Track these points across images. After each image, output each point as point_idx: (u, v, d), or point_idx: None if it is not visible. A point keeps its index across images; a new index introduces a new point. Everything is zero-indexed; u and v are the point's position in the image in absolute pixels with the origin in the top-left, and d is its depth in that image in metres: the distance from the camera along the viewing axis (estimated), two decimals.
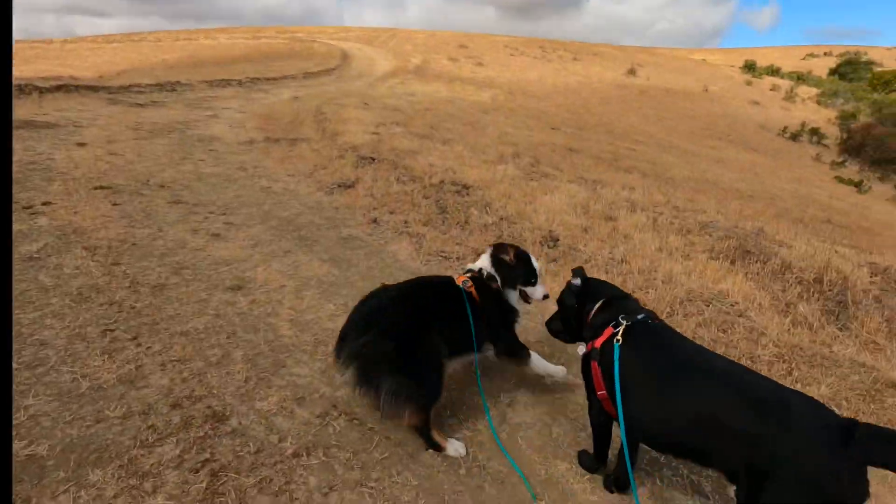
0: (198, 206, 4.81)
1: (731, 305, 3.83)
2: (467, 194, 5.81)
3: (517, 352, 2.44)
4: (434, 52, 43.83)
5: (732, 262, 4.31)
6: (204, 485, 1.65)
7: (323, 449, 1.93)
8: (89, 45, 32.32)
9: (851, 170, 29.20)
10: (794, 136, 35.95)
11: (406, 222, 5.08)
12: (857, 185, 24.75)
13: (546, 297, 2.51)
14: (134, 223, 4.21)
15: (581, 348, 1.95)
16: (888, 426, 1.65)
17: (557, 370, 2.57)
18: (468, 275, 2.39)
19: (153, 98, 12.63)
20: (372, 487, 1.79)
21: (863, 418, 2.90)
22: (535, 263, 2.51)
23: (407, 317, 2.02)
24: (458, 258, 4.41)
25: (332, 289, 3.46)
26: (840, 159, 31.17)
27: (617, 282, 3.97)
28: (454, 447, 2.05)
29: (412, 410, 1.91)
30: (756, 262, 4.26)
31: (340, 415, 2.16)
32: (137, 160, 6.14)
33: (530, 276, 2.46)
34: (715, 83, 50.94)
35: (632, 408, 1.67)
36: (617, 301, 1.96)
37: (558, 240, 4.78)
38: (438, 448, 2.04)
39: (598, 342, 1.84)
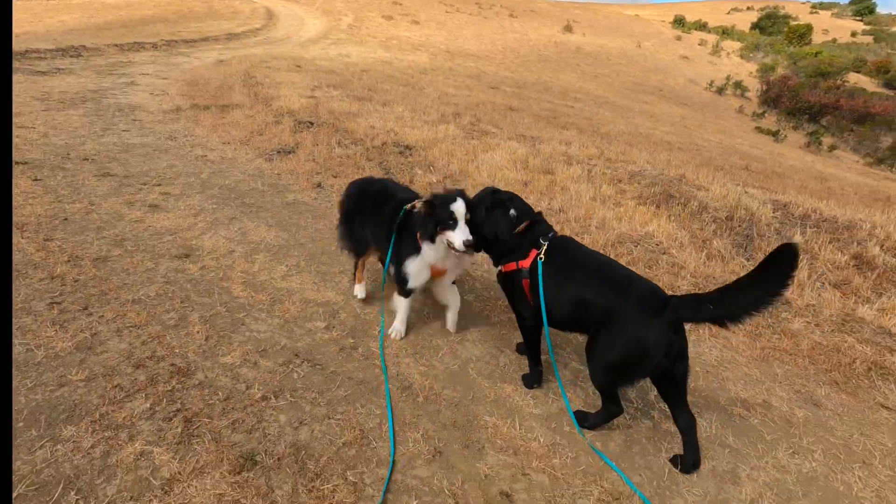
0: (129, 177, 4.61)
1: (656, 244, 4.23)
2: (410, 155, 5.89)
3: (399, 284, 2.61)
4: (366, 10, 41.95)
5: (657, 207, 4.70)
6: (179, 429, 1.76)
7: (290, 392, 2.08)
8: None
9: (770, 120, 31.27)
10: (720, 90, 37.79)
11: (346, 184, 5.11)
12: (774, 134, 26.57)
13: (468, 244, 2.27)
14: (61, 198, 4.01)
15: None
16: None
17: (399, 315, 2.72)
18: (415, 204, 2.51)
19: (56, 65, 11.53)
20: (339, 419, 1.96)
21: None
22: (457, 207, 2.29)
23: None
24: None
25: (282, 251, 3.51)
26: (760, 111, 33.25)
27: (556, 229, 4.25)
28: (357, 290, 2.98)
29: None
30: (678, 205, 4.68)
31: (303, 362, 2.30)
32: (53, 133, 5.72)
33: (448, 221, 2.29)
34: (647, 39, 52.24)
35: (546, 300, 2.14)
36: (533, 224, 2.29)
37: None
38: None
39: (527, 263, 2.20)
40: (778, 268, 1.70)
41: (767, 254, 1.74)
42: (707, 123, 25.90)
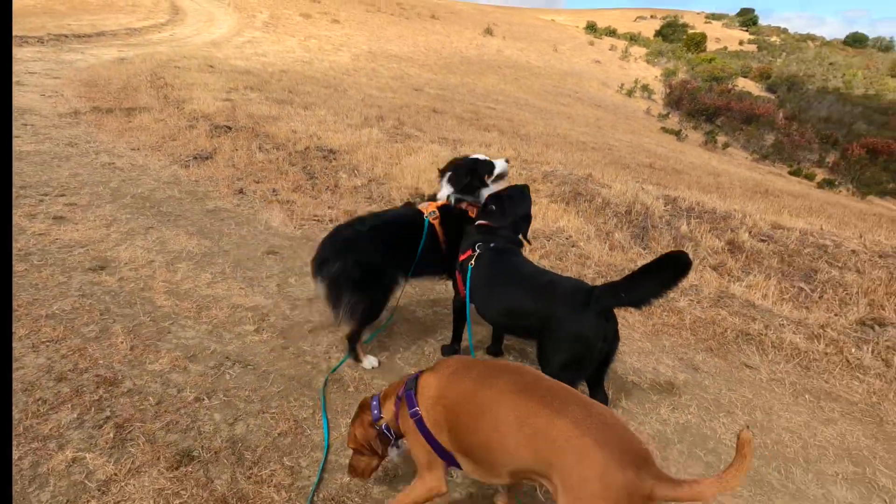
0: (26, 188, 4.32)
1: (566, 238, 4.65)
2: (334, 159, 5.96)
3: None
4: (283, 7, 40.52)
5: (567, 204, 5.16)
6: (111, 435, 1.80)
7: (223, 392, 2.16)
8: None
9: (673, 121, 34.09)
10: (629, 93, 40.55)
11: (274, 190, 5.12)
12: (677, 133, 29.01)
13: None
14: None
15: None
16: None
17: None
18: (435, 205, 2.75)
19: None
20: (273, 413, 2.08)
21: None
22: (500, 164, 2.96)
23: (374, 249, 2.47)
24: (331, 220, 4.63)
25: (205, 259, 3.50)
26: (664, 112, 36.16)
27: None
28: (369, 361, 2.57)
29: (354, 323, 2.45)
30: (585, 202, 5.15)
31: (234, 364, 2.38)
32: None
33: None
34: (563, 43, 54.89)
35: (476, 302, 2.39)
36: (487, 231, 2.55)
37: (424, 195, 5.22)
38: (357, 359, 2.56)
39: (462, 258, 2.46)
40: (671, 269, 2.01)
41: (666, 253, 2.06)
42: (619, 124, 27.81)
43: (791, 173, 25.33)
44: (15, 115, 6.80)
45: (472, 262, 2.40)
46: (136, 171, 5.20)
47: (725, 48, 66.77)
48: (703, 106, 35.72)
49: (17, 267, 3.05)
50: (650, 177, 9.48)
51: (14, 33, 16.51)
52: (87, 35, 19.39)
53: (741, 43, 73.47)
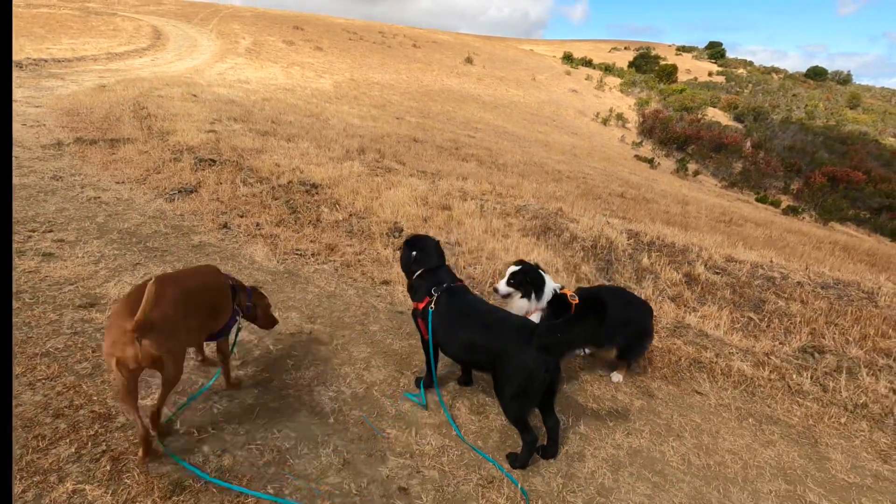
0: (14, 224, 4.45)
1: None
2: (316, 193, 6.20)
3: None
4: (266, 34, 41.05)
5: (538, 238, 5.47)
6: (108, 468, 1.96)
7: (211, 425, 2.33)
8: None
9: (646, 149, 35.36)
10: (605, 121, 41.95)
11: (258, 224, 5.32)
12: (650, 161, 30.09)
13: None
14: None
15: None
16: None
17: None
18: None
19: None
20: (259, 444, 2.27)
21: None
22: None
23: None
24: (313, 254, 4.85)
25: None
26: (638, 140, 37.50)
27: (451, 261, 4.81)
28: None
29: None
30: (554, 236, 5.48)
31: (222, 398, 2.56)
32: None
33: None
34: (541, 72, 56.68)
35: (440, 340, 2.67)
36: (431, 272, 2.74)
37: (402, 230, 5.48)
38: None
39: (421, 306, 2.64)
40: (594, 312, 2.33)
41: (587, 302, 2.39)
42: (594, 152, 28.74)
43: (758, 200, 26.43)
44: None
45: (433, 305, 2.68)
46: (121, 205, 5.35)
47: (696, 79, 69.77)
48: (675, 135, 37.15)
49: None
50: (619, 207, 9.95)
51: None
52: (67, 60, 19.46)
53: (710, 74, 76.90)
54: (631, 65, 76.12)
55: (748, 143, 37.90)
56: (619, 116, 42.58)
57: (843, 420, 3.50)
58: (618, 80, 59.58)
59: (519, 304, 3.28)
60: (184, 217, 5.26)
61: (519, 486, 2.33)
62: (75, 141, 7.78)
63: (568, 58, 67.38)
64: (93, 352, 2.77)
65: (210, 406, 2.48)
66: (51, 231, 4.41)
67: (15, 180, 5.59)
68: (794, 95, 64.63)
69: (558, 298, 3.31)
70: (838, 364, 4.06)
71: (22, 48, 19.38)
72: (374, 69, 38.19)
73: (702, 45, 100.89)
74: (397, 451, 2.43)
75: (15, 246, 4.02)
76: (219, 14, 48.56)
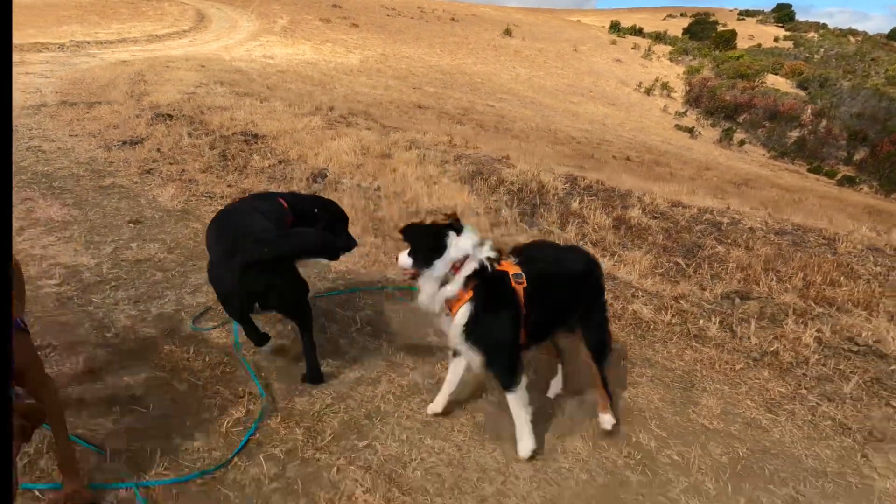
0: None
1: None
2: (255, 143, 6.11)
3: None
4: (304, 13, 41.48)
5: (464, 183, 5.13)
6: None
7: None
8: None
9: (690, 119, 33.23)
10: (648, 91, 39.71)
11: (183, 171, 5.30)
12: (690, 131, 28.26)
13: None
14: None
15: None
16: None
17: None
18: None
19: None
20: None
21: None
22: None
23: None
24: (222, 197, 4.76)
25: (60, 226, 3.68)
26: (682, 110, 35.26)
27: (370, 204, 4.62)
28: None
29: None
30: (482, 180, 5.12)
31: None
32: None
33: None
34: (584, 43, 54.22)
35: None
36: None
37: (326, 176, 5.31)
38: None
39: None
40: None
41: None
42: (628, 122, 27.26)
43: (811, 170, 24.25)
44: None
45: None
46: (57, 153, 5.48)
47: (759, 45, 64.54)
48: (724, 103, 34.61)
49: None
50: (612, 167, 9.30)
51: (37, 40, 17.54)
52: (110, 41, 20.38)
53: (776, 40, 70.92)
54: (686, 31, 71.37)
55: (808, 111, 34.67)
56: (665, 86, 40.10)
57: (738, 367, 3.05)
58: (667, 49, 56.06)
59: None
60: (112, 164, 5.32)
61: (260, 388, 2.14)
62: (59, 103, 8.09)
63: (615, 27, 64.01)
64: None
65: None
66: None
67: None
68: (872, 60, 58.39)
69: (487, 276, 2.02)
70: (761, 311, 3.54)
71: (73, 33, 20.47)
72: (407, 44, 37.83)
73: (769, 9, 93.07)
74: (157, 364, 2.29)
75: None
76: None
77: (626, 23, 70.78)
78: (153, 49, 19.41)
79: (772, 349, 3.22)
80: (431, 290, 1.93)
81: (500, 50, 43.03)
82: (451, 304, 1.94)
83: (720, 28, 68.87)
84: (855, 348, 3.28)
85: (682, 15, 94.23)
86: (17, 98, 8.22)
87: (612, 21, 69.16)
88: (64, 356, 2.26)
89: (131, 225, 3.87)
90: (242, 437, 1.93)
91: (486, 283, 1.92)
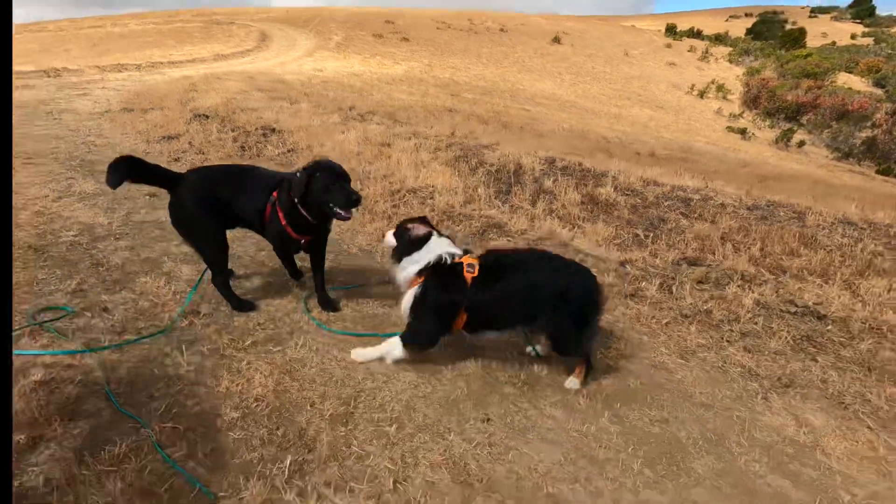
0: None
1: (431, 190, 5.00)
2: (272, 135, 6.77)
3: None
4: (359, 30, 43.30)
5: (447, 165, 5.48)
6: None
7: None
8: None
9: (746, 121, 31.72)
10: (702, 94, 38.32)
11: (206, 159, 6.00)
12: (742, 132, 27.02)
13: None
14: None
15: None
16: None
17: None
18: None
19: (28, 83, 12.75)
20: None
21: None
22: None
23: None
24: None
25: (89, 197, 4.37)
26: (738, 111, 33.73)
27: (358, 184, 5.06)
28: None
29: None
30: (464, 163, 5.45)
31: (30, 249, 3.14)
32: None
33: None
34: (636, 48, 53.06)
35: None
36: None
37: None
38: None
39: None
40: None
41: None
42: (674, 124, 26.48)
43: (879, 172, 22.48)
44: (55, 114, 8.43)
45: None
46: (106, 146, 6.36)
47: (833, 43, 60.55)
48: (784, 104, 32.77)
49: None
50: (633, 161, 9.26)
51: (121, 62, 19.60)
52: (181, 61, 22.37)
53: (853, 37, 66.20)
54: (749, 32, 68.14)
55: (882, 110, 32.11)
56: (720, 88, 38.53)
57: (665, 321, 3.20)
58: (727, 50, 53.75)
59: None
60: (148, 154, 6.11)
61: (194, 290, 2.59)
62: (120, 110, 9.21)
63: (671, 30, 62.16)
64: None
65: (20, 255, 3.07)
66: (31, 158, 5.45)
67: (42, 132, 6.88)
68: None
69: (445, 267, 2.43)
70: (706, 275, 3.65)
71: (151, 56, 22.67)
72: (454, 55, 38.57)
73: (844, 5, 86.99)
74: (132, 289, 2.81)
75: None
76: (318, 16, 52.22)
77: (684, 26, 68.57)
78: (217, 66, 21.09)
79: (705, 308, 3.34)
80: (401, 272, 2.47)
81: (546, 57, 43.00)
82: (410, 284, 2.44)
83: (788, 27, 65.19)
84: (793, 309, 3.33)
85: (746, 15, 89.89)
86: (87, 106, 9.43)
87: (667, 24, 67.24)
88: (62, 279, 2.83)
89: (147, 197, 4.53)
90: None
91: (437, 271, 2.38)
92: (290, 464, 1.72)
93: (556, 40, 50.15)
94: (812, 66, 43.57)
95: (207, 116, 7.82)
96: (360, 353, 2.44)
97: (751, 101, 35.92)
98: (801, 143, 25.60)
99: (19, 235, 3.33)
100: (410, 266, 2.42)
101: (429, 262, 2.39)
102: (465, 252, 2.49)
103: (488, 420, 2.13)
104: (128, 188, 4.74)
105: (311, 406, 2.04)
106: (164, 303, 2.73)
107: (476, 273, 2.38)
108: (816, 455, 2.24)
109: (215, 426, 1.86)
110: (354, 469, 1.75)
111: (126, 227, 3.77)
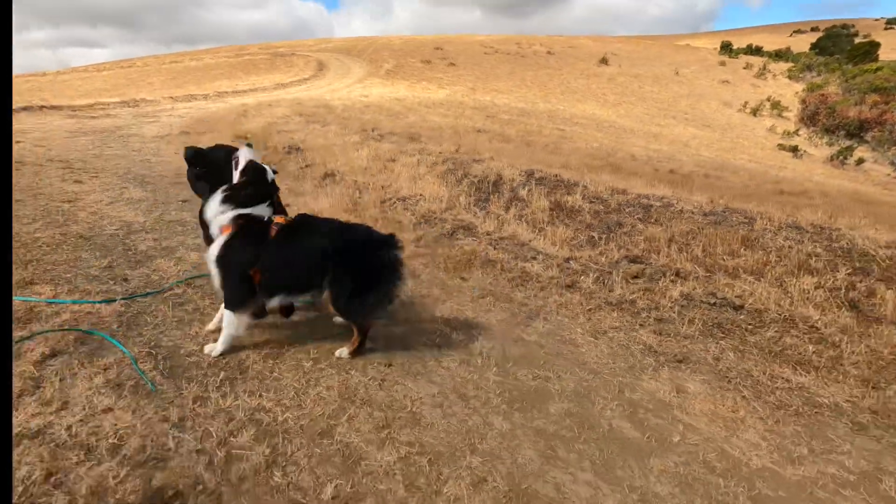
0: (81, 170, 6.71)
1: (416, 200, 5.63)
2: (296, 153, 7.68)
3: None
4: (409, 57, 45.28)
5: (438, 177, 6.11)
6: None
7: (70, 252, 3.80)
8: (81, 75, 34.53)
9: (801, 138, 30.37)
10: (755, 111, 37.09)
11: None
12: (794, 150, 26.00)
13: None
14: (22, 176, 6.14)
15: None
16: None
17: None
18: None
19: (110, 112, 14.68)
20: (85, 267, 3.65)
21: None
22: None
23: None
24: None
25: (135, 202, 5.33)
26: (794, 128, 32.35)
27: (356, 192, 5.79)
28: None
29: None
30: (452, 175, 6.05)
31: (79, 237, 4.03)
32: (55, 148, 8.13)
33: None
34: (688, 66, 52.08)
35: None
36: None
37: (335, 175, 6.61)
38: None
39: None
40: None
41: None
42: (718, 143, 25.88)
43: None
44: (125, 137, 9.84)
45: None
46: (159, 164, 7.48)
47: None
48: (846, 120, 31.16)
49: (26, 200, 5.16)
50: (621, 174, 9.49)
51: (191, 93, 21.85)
52: (243, 91, 24.53)
53: None
54: (814, 46, 65.08)
55: None
56: (776, 105, 37.12)
57: (588, 308, 3.63)
58: (786, 66, 51.65)
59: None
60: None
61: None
62: (179, 133, 10.58)
63: (726, 47, 60.52)
64: (59, 227, 4.51)
65: (69, 242, 3.97)
66: (96, 173, 6.58)
67: (110, 152, 8.16)
68: None
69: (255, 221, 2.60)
70: (642, 271, 4.03)
71: (219, 87, 25.01)
72: (500, 79, 39.50)
73: None
74: (149, 267, 3.61)
75: (65, 177, 6.20)
76: (373, 45, 55.03)
77: (742, 43, 66.54)
78: (274, 94, 22.97)
79: (631, 298, 3.73)
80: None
81: (592, 79, 43.13)
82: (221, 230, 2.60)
83: (858, 40, 61.78)
84: (713, 300, 3.66)
85: (812, 30, 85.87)
86: (153, 130, 10.88)
87: (722, 42, 65.49)
88: (98, 258, 3.67)
89: (181, 202, 5.45)
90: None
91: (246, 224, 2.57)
92: (223, 378, 2.36)
93: (604, 61, 50.18)
94: (881, 80, 41.03)
95: (247, 137, 8.90)
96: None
97: (808, 118, 34.39)
98: (860, 161, 24.26)
99: (74, 228, 4.25)
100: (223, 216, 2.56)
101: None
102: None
103: (390, 365, 2.68)
104: (168, 194, 5.75)
105: (253, 347, 2.69)
106: (169, 277, 3.50)
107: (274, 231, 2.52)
108: (673, 411, 2.61)
109: (179, 354, 2.54)
110: (269, 385, 2.37)
111: (157, 224, 4.64)
